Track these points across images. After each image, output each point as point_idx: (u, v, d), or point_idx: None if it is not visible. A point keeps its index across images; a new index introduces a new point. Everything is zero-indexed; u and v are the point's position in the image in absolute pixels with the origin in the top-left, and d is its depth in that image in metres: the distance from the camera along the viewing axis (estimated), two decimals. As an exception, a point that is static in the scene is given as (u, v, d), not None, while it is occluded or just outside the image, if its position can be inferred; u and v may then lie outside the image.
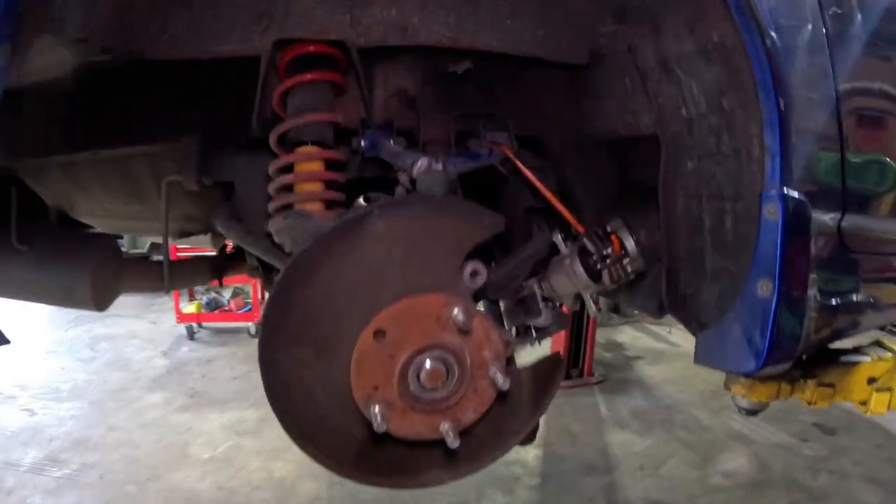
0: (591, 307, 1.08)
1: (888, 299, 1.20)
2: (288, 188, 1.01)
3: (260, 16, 0.93)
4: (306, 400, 0.78)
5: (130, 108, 1.07)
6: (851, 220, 1.03)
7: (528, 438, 0.95)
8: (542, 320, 1.10)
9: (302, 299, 0.77)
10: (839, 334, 1.17)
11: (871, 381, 1.31)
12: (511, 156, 1.10)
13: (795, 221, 0.86)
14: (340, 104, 1.12)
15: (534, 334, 1.14)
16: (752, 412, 1.35)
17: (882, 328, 1.50)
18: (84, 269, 1.14)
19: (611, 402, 3.65)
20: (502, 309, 1.14)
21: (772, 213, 0.85)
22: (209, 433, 3.16)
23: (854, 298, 1.10)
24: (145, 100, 1.07)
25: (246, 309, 4.78)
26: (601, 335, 4.54)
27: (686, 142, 1.04)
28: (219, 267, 1.47)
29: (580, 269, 1.01)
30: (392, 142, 1.09)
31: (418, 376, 0.74)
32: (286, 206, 0.99)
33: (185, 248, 3.97)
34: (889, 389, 1.32)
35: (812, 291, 0.91)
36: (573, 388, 3.81)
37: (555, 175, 1.33)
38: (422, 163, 0.87)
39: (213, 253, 1.52)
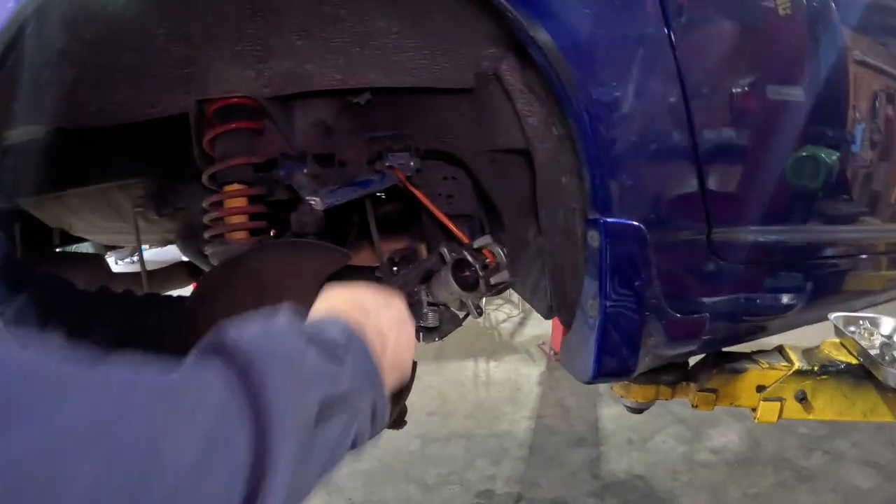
0: (473, 312, 1.24)
1: (782, 306, 1.26)
2: (220, 219, 1.22)
3: (183, 79, 1.11)
4: None
5: (102, 151, 1.29)
6: (726, 233, 1.11)
7: (396, 424, 1.15)
8: (431, 322, 1.27)
9: (202, 316, 1.00)
10: (712, 344, 1.25)
11: (761, 388, 1.36)
12: (402, 178, 1.26)
13: (623, 246, 0.96)
14: (265, 140, 1.31)
15: (436, 334, 1.32)
16: (636, 410, 1.44)
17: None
18: (77, 284, 1.42)
19: (611, 378, 3.74)
20: None
21: (594, 239, 0.97)
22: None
23: (732, 309, 1.17)
24: (114, 144, 1.29)
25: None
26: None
27: (559, 157, 1.15)
28: (193, 272, 1.73)
29: (451, 279, 1.17)
30: (305, 170, 1.28)
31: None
32: (218, 234, 1.21)
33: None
34: (780, 399, 1.36)
35: (656, 309, 1.00)
36: (575, 364, 3.91)
37: (471, 183, 1.49)
38: (301, 206, 1.06)
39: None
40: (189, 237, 1.39)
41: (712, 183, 1.05)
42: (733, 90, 1.10)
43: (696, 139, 1.00)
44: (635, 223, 0.95)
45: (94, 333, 0.95)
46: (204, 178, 1.22)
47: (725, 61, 1.09)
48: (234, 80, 1.12)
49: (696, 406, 1.38)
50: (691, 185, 1.02)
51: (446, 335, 1.33)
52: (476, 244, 1.22)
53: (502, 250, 1.22)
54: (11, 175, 1.25)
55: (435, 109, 1.36)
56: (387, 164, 1.30)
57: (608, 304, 0.95)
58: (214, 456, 0.35)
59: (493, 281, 1.20)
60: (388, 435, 1.19)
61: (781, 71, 1.18)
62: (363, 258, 1.80)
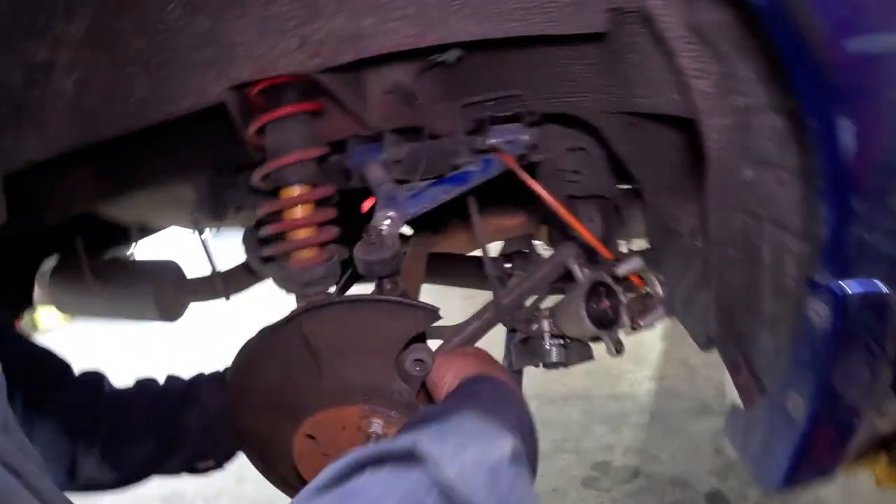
0: (611, 349, 0.93)
1: None
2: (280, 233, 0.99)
3: (209, 63, 0.87)
4: (279, 468, 0.83)
5: (147, 150, 1.11)
6: None
7: None
8: (555, 359, 0.99)
9: (248, 389, 0.81)
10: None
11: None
12: (512, 164, 0.93)
13: (864, 327, 0.59)
14: (327, 122, 1.04)
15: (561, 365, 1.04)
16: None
17: None
18: (147, 293, 1.33)
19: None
20: (511, 345, 1.04)
21: (818, 314, 0.60)
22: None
23: None
24: (159, 140, 1.11)
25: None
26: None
27: (742, 140, 0.77)
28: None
29: (584, 316, 0.86)
30: (384, 155, 1.00)
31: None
32: (279, 254, 0.99)
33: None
34: None
35: (883, 395, 0.65)
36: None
37: (603, 155, 1.11)
38: (367, 235, 0.77)
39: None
40: (250, 242, 1.20)
41: None
42: None
43: None
44: (884, 290, 0.56)
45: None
46: (254, 180, 0.99)
47: None
48: (271, 55, 0.85)
49: (879, 482, 0.99)
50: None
51: (573, 365, 1.05)
52: (622, 270, 0.88)
53: (659, 279, 0.87)
54: (55, 191, 1.14)
55: (552, 62, 0.99)
56: (490, 141, 0.97)
57: (823, 406, 0.61)
58: None
59: (643, 323, 0.88)
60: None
61: None
62: (464, 243, 1.52)
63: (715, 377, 2.89)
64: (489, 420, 0.57)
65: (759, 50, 0.65)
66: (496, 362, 0.76)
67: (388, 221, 0.81)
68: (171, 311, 1.40)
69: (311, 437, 0.71)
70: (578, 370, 3.18)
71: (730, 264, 0.86)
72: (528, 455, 0.62)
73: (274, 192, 0.98)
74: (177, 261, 1.49)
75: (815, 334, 0.59)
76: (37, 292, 1.40)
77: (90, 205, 1.18)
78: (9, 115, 0.77)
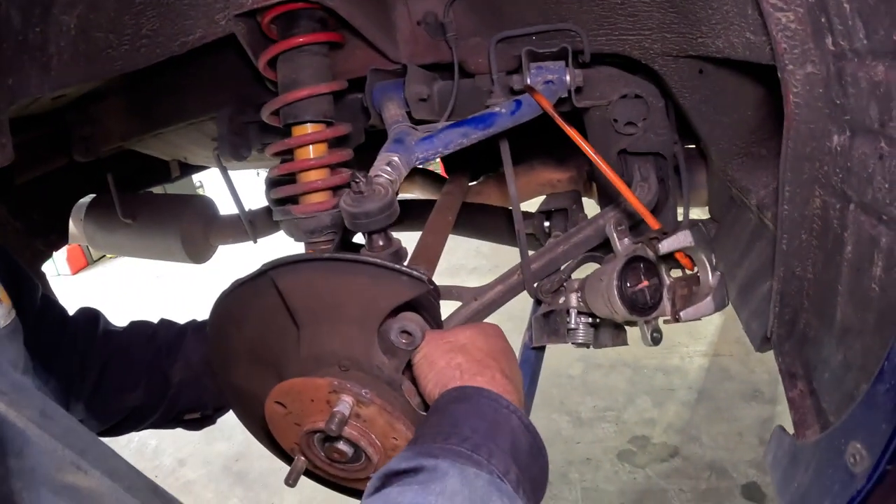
0: (646, 338, 0.82)
1: None
2: (291, 175, 0.92)
3: None
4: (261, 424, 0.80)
5: (173, 88, 1.08)
6: None
7: None
8: (581, 339, 0.88)
9: (224, 349, 0.77)
10: None
11: None
12: (548, 108, 0.80)
13: None
14: (348, 55, 0.94)
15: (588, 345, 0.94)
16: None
17: None
18: (175, 233, 1.32)
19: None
20: (533, 318, 0.93)
21: None
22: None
23: None
24: (186, 78, 1.06)
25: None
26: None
27: (832, 95, 0.62)
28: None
29: (616, 296, 0.75)
30: (406, 92, 0.90)
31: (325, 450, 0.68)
32: (289, 198, 0.92)
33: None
34: None
35: None
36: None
37: (663, 105, 0.95)
38: (356, 182, 0.67)
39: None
40: (271, 184, 1.15)
41: None
42: None
43: None
44: None
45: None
46: (264, 115, 0.91)
47: None
48: None
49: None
50: None
51: (603, 347, 0.94)
52: (666, 245, 0.75)
53: (711, 262, 0.74)
54: (84, 129, 1.14)
55: None
56: (527, 80, 0.84)
57: (888, 471, 0.48)
58: None
59: (683, 316, 0.76)
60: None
61: None
62: (503, 194, 1.40)
63: (770, 362, 2.64)
64: (477, 466, 0.50)
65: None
66: (498, 354, 0.65)
67: (387, 167, 0.71)
68: (198, 254, 1.39)
69: (280, 404, 0.66)
70: (630, 337, 3.03)
71: (801, 252, 0.71)
72: (532, 481, 0.56)
73: (287, 131, 0.91)
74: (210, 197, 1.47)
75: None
76: (71, 229, 1.42)
77: (121, 142, 1.17)
78: (10, 53, 0.74)
